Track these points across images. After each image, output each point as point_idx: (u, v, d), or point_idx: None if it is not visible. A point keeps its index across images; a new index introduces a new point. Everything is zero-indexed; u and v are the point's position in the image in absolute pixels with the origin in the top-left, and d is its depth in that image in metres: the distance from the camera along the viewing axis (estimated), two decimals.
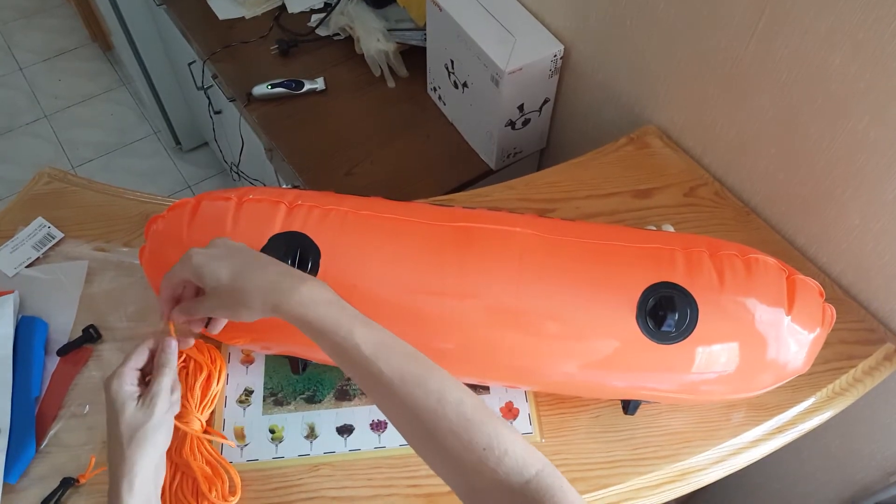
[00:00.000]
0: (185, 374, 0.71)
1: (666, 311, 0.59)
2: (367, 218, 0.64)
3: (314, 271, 0.62)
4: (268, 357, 0.77)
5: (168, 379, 0.61)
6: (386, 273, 0.62)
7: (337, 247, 0.62)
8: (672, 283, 0.61)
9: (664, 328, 0.60)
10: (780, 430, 0.75)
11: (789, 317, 0.61)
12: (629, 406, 0.71)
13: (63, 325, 0.79)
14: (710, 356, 0.61)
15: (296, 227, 0.63)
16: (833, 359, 0.77)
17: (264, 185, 1.54)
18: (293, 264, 0.61)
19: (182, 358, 0.69)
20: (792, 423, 0.75)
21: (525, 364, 0.64)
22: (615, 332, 0.61)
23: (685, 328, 0.60)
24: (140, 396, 0.60)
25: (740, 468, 0.74)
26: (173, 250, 0.65)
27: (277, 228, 0.63)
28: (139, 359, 0.62)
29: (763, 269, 0.63)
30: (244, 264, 0.56)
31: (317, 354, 0.70)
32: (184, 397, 0.70)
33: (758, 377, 0.64)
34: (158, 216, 0.68)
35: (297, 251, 0.62)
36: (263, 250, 0.62)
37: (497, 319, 0.62)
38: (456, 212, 0.67)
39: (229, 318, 0.59)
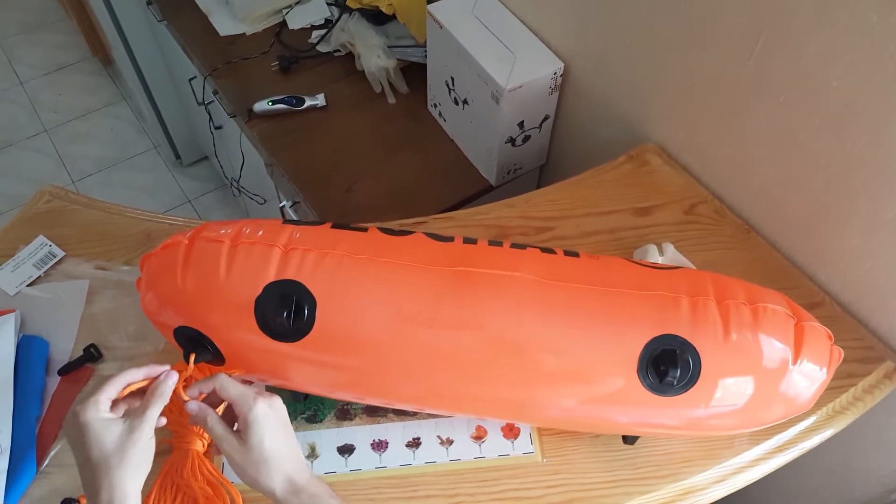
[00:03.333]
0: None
1: (668, 366, 0.59)
2: (363, 262, 0.63)
3: (311, 321, 0.61)
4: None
5: (159, 409, 0.60)
6: (382, 321, 0.61)
7: (333, 295, 0.62)
8: (676, 336, 0.60)
9: (666, 381, 0.59)
10: (780, 449, 0.75)
11: (795, 366, 0.61)
12: (629, 437, 0.71)
13: (64, 344, 0.79)
14: (714, 404, 0.61)
15: (290, 275, 0.62)
16: (833, 377, 0.77)
17: (265, 201, 1.55)
18: (289, 315, 0.61)
19: (182, 380, 0.69)
20: (792, 441, 0.75)
21: (522, 409, 0.64)
22: (616, 386, 0.61)
23: (687, 381, 0.60)
24: (125, 419, 0.58)
25: (741, 487, 0.74)
26: (169, 291, 0.64)
27: (272, 276, 0.62)
28: (111, 390, 0.60)
29: (770, 319, 0.62)
30: (285, 443, 0.61)
31: (314, 389, 0.70)
32: (185, 417, 0.70)
33: (761, 417, 0.64)
34: (151, 254, 0.67)
35: (294, 300, 0.61)
36: (259, 299, 0.61)
37: (495, 368, 0.62)
38: (455, 250, 0.66)
39: (238, 474, 0.61)
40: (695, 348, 0.60)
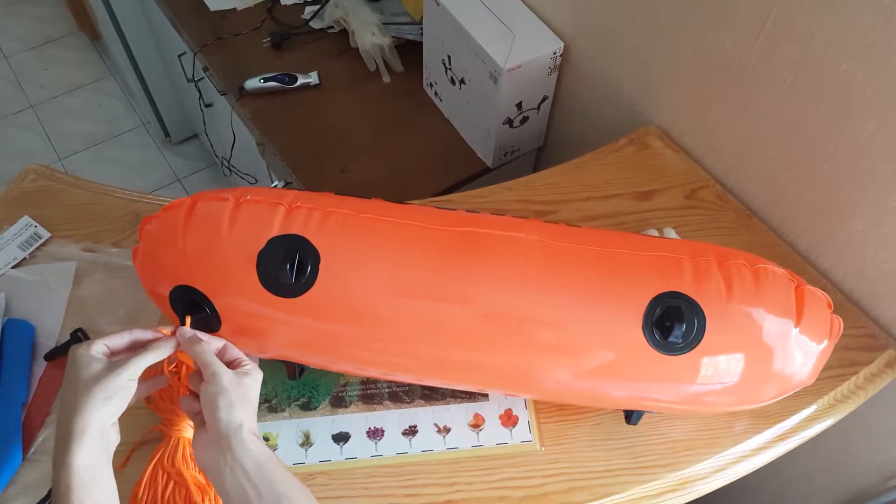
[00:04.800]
0: (177, 379, 0.69)
1: (673, 322, 0.58)
2: (368, 221, 0.63)
3: (314, 276, 0.60)
4: (262, 362, 0.75)
5: (149, 360, 0.59)
6: (385, 279, 0.60)
7: (337, 250, 0.61)
8: (680, 293, 0.60)
9: (671, 339, 0.58)
10: (781, 437, 0.74)
11: (797, 328, 0.60)
12: (632, 416, 0.70)
13: (50, 328, 0.77)
14: (716, 367, 0.60)
15: (295, 230, 0.61)
16: (835, 365, 0.76)
17: (256, 181, 1.53)
18: (292, 268, 0.60)
19: (174, 364, 0.67)
20: (793, 430, 0.74)
21: (526, 373, 0.63)
22: (621, 342, 0.60)
23: (692, 339, 0.59)
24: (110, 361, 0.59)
25: (741, 476, 0.73)
26: (168, 253, 0.63)
27: (276, 231, 0.61)
28: (115, 340, 0.60)
29: (772, 280, 0.61)
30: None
31: (314, 360, 0.68)
32: (175, 403, 0.69)
33: (763, 388, 0.63)
34: (152, 217, 0.66)
35: (297, 254, 0.60)
36: (261, 253, 0.60)
37: (499, 327, 0.60)
38: (459, 216, 0.65)
39: (213, 399, 0.59)
40: (699, 306, 0.59)
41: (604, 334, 0.60)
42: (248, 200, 0.63)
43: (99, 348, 0.59)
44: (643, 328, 0.59)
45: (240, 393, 0.59)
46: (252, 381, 0.61)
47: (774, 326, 0.60)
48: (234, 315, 0.64)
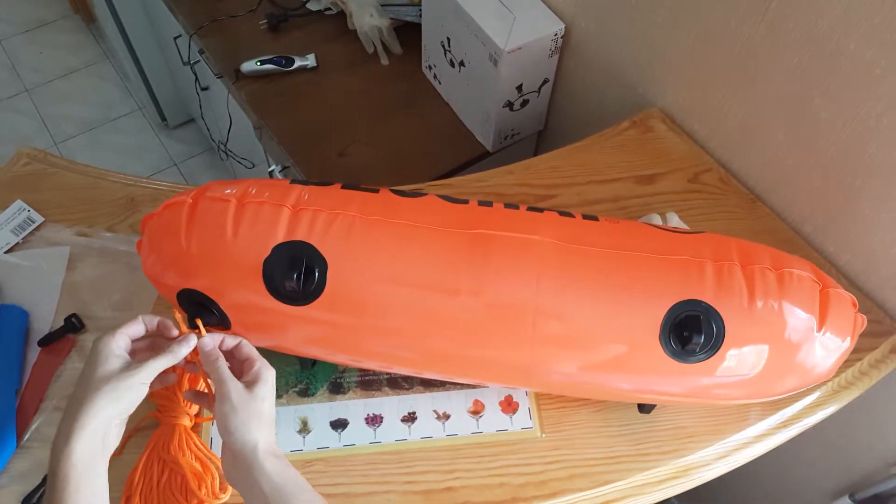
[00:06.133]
0: (173, 368, 0.68)
1: (692, 332, 0.57)
2: (376, 224, 0.60)
3: (321, 285, 0.59)
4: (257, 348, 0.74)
5: (166, 362, 0.60)
6: (395, 284, 0.59)
7: (344, 258, 0.59)
8: (699, 301, 0.58)
9: (689, 348, 0.57)
10: (784, 424, 0.73)
11: (820, 332, 0.59)
12: (645, 405, 0.69)
13: (44, 313, 0.76)
14: (733, 369, 0.59)
15: (300, 236, 0.59)
16: None
17: (253, 165, 1.51)
18: (299, 277, 0.58)
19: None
20: (797, 417, 0.74)
21: (539, 382, 0.63)
22: (636, 350, 0.59)
23: (710, 347, 0.58)
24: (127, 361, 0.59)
25: (744, 463, 0.72)
26: (172, 254, 0.61)
27: (281, 237, 0.59)
28: (135, 328, 0.61)
29: (797, 285, 0.60)
30: (274, 414, 0.62)
31: (320, 353, 0.67)
32: (172, 391, 0.68)
33: (779, 384, 0.62)
34: (154, 213, 0.64)
35: (304, 262, 0.58)
36: (267, 261, 0.59)
37: (512, 335, 0.59)
38: (471, 213, 0.63)
39: (226, 419, 0.59)
40: (719, 314, 0.58)
41: (618, 343, 0.59)
42: (251, 202, 0.61)
43: (122, 341, 0.59)
44: (660, 337, 0.58)
45: (251, 409, 0.59)
46: (263, 389, 0.60)
47: (797, 332, 0.59)
48: (242, 317, 0.63)
